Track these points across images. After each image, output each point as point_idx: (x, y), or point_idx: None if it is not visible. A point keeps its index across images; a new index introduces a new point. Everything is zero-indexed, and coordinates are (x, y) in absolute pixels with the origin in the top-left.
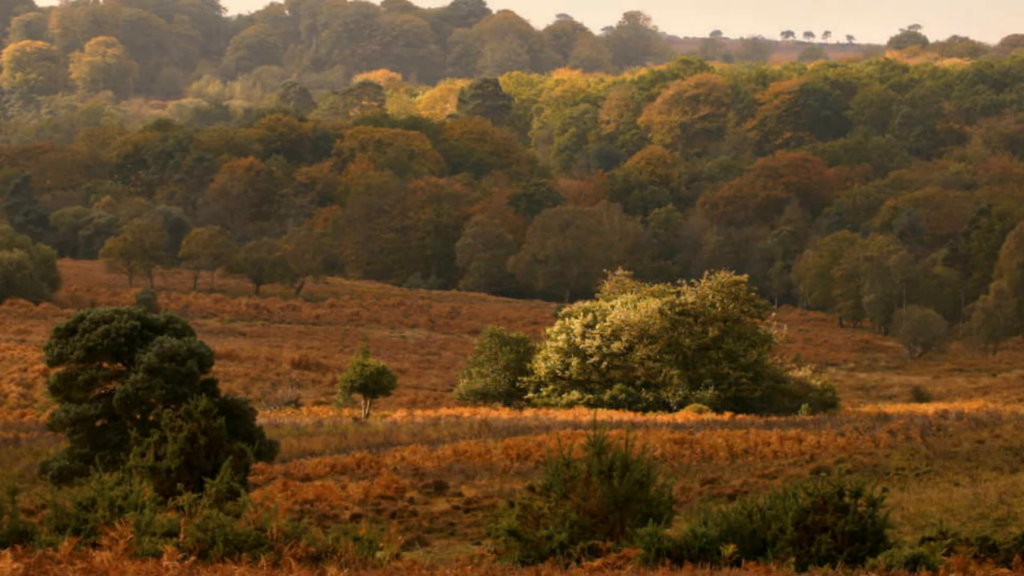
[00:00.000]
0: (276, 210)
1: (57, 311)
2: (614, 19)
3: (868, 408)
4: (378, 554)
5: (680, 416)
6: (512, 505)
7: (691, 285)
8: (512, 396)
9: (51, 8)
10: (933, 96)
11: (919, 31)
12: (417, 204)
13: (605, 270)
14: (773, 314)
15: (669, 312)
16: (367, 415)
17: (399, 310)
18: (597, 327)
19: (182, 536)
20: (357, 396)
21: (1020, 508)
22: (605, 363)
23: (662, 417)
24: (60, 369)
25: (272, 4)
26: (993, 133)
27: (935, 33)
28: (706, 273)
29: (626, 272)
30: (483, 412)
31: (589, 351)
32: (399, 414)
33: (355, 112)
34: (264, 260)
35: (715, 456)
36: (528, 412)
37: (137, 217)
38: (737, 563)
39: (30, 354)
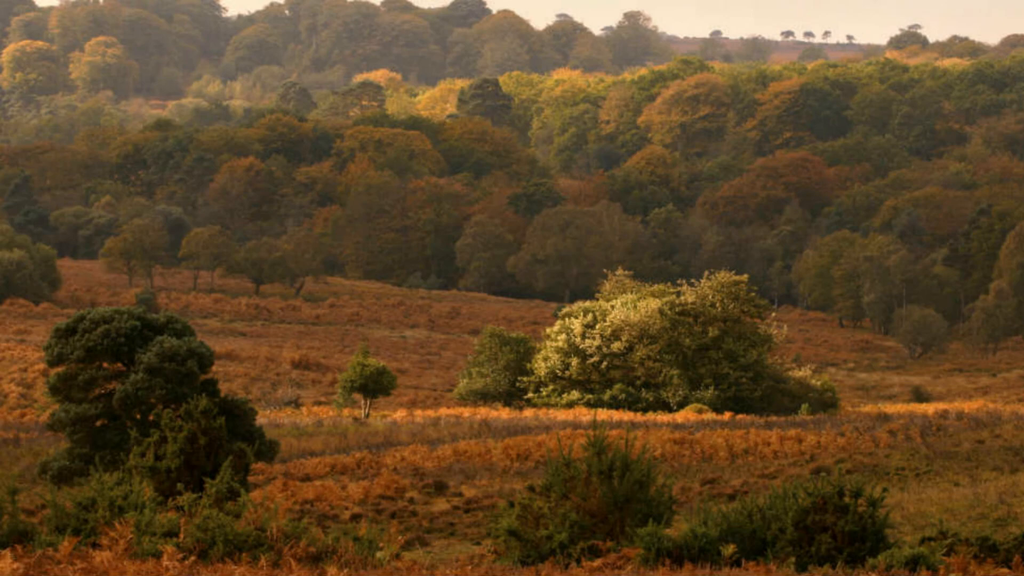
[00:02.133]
0: (276, 210)
1: (57, 311)
2: (614, 19)
3: (868, 408)
4: (378, 554)
5: (680, 416)
6: (512, 505)
7: (691, 285)
8: (512, 396)
9: (51, 8)
10: (933, 96)
11: (919, 31)
12: (417, 204)
13: (605, 270)
14: (773, 314)
15: (669, 312)
16: (367, 415)
17: (399, 310)
18: (597, 327)
19: (182, 536)
20: (357, 396)
21: (1020, 508)
22: (605, 363)
23: (662, 417)
24: (60, 369)
25: (272, 4)
26: (993, 133)
27: (935, 33)
28: (706, 273)
29: (626, 272)
30: (483, 412)
31: (589, 351)
32: (399, 414)
33: (355, 112)
34: (264, 260)
35: (715, 456)
36: (528, 412)
37: (137, 217)
38: (737, 563)
39: (30, 354)
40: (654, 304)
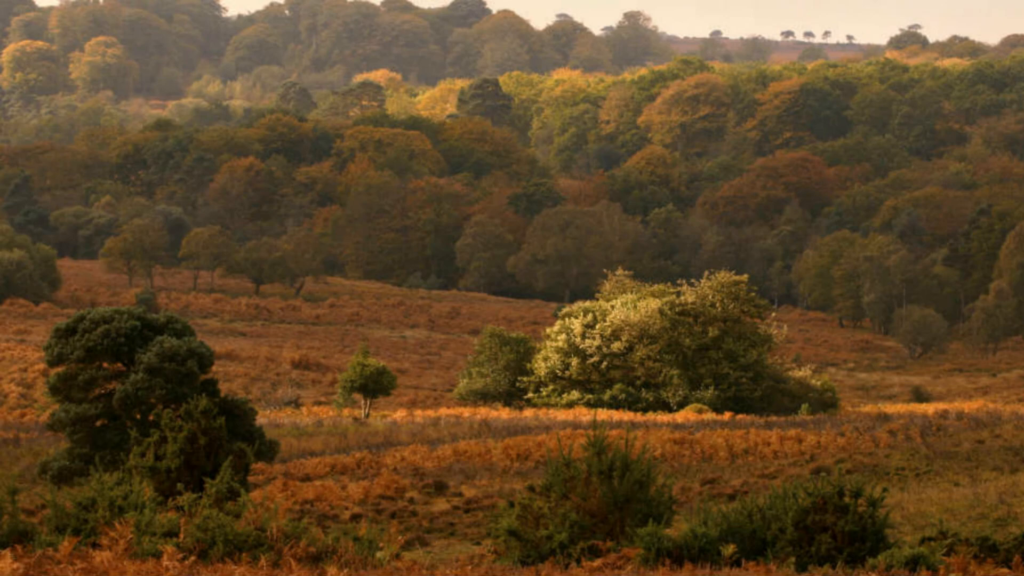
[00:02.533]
0: (276, 210)
1: (57, 311)
2: (614, 19)
3: (868, 408)
4: (378, 554)
5: (680, 416)
6: (512, 505)
7: (691, 285)
8: (512, 396)
9: (51, 8)
10: (933, 96)
11: (919, 31)
12: (417, 204)
13: (605, 270)
14: (773, 314)
15: (669, 312)
16: (367, 415)
17: (399, 310)
18: (597, 327)
19: (182, 536)
20: (357, 396)
21: (1020, 508)
22: (605, 363)
23: (662, 417)
24: (60, 369)
25: (272, 4)
26: (993, 133)
27: (935, 33)
28: (706, 273)
29: (626, 272)
30: (483, 412)
31: (589, 351)
32: (399, 414)
33: (355, 112)
34: (264, 260)
35: (715, 456)
36: (528, 412)
37: (137, 217)
38: (737, 563)
39: (30, 354)
40: (654, 304)
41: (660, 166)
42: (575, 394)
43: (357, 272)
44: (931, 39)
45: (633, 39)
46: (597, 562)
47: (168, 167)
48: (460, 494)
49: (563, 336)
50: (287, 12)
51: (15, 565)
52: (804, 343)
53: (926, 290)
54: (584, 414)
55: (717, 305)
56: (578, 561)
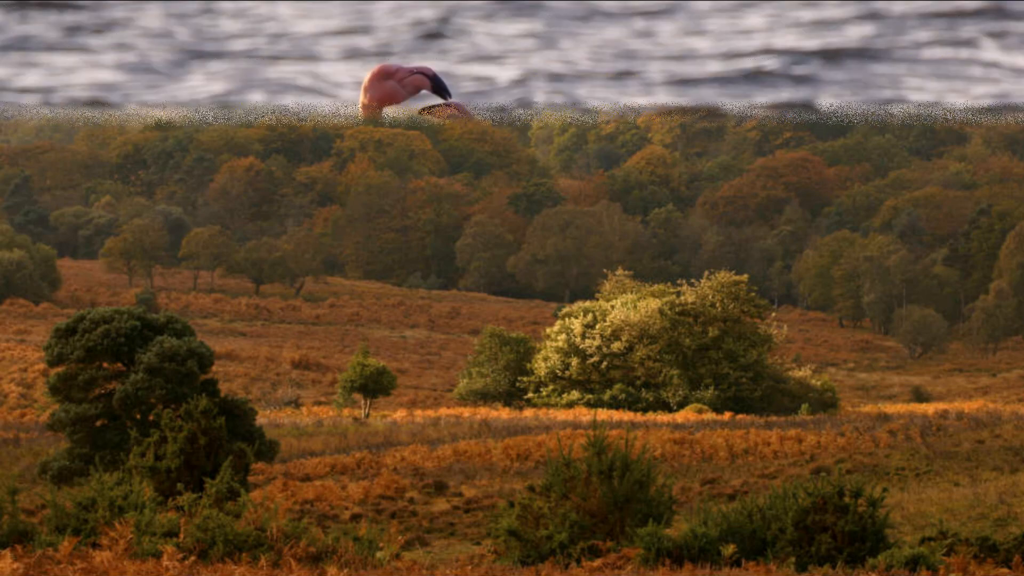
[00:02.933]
0: (276, 210)
1: (57, 311)
2: None
3: (868, 408)
4: (378, 554)
5: (680, 416)
6: (512, 505)
7: (691, 285)
8: (512, 396)
9: None
10: None
11: None
12: (417, 204)
13: (605, 270)
14: (773, 314)
15: (669, 312)
16: (367, 415)
17: (399, 310)
18: (597, 327)
19: (182, 536)
20: (357, 396)
21: (1020, 508)
22: (605, 363)
23: (662, 417)
24: (60, 369)
25: None
26: (993, 133)
27: None
28: (706, 273)
29: (626, 272)
30: (483, 412)
31: (589, 351)
32: (399, 414)
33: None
34: (264, 260)
35: (715, 456)
36: (528, 412)
37: (137, 217)
38: (737, 563)
39: (30, 354)
40: (654, 304)
41: (660, 166)
42: (575, 394)
43: (357, 272)
44: None
45: None
46: (597, 562)
47: (168, 167)
48: (460, 494)
49: (563, 336)
50: None
51: (15, 565)
52: (804, 343)
53: (926, 290)
54: (584, 414)
55: (717, 305)
56: (578, 561)
